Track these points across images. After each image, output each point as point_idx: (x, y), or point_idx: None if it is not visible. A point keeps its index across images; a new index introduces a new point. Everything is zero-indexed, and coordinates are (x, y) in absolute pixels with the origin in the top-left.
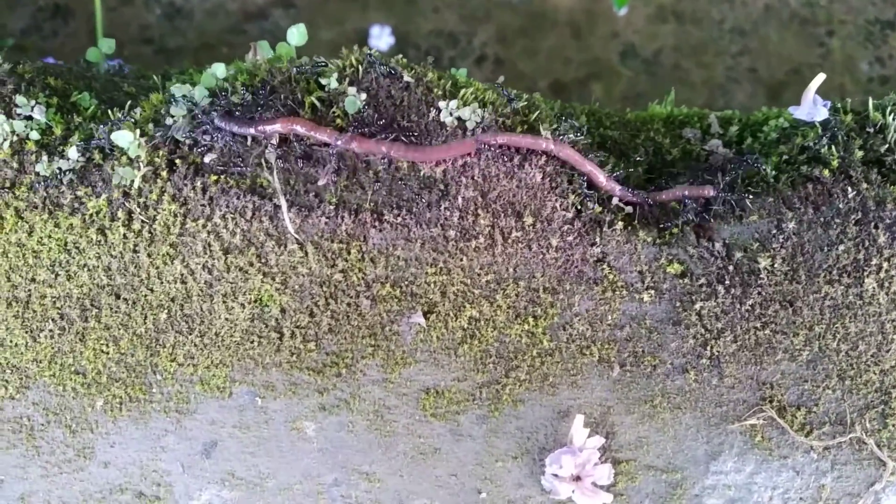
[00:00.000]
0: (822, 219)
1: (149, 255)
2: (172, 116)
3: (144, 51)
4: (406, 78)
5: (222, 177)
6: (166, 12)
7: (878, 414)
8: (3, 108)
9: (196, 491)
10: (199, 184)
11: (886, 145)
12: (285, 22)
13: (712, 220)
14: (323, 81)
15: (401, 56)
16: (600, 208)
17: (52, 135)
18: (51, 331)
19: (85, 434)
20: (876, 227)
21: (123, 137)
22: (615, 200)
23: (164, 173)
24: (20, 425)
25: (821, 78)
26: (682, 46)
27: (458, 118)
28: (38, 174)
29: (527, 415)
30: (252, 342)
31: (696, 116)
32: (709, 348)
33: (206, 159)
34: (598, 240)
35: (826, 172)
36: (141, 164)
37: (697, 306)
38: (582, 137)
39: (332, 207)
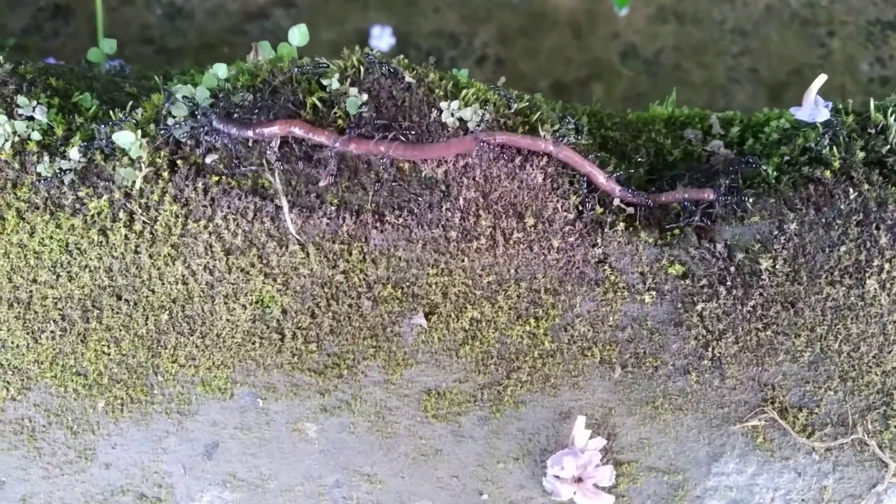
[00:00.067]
0: (823, 220)
1: (150, 256)
2: (174, 117)
3: (145, 51)
4: (407, 78)
5: (224, 177)
6: (167, 12)
7: (880, 415)
8: (4, 108)
9: (197, 492)
10: (200, 184)
11: (888, 146)
12: (286, 22)
13: (713, 222)
14: (324, 82)
15: (402, 56)
16: (601, 209)
17: (54, 135)
18: (52, 332)
19: (86, 435)
20: (877, 228)
21: (125, 138)
22: (616, 201)
23: (165, 174)
24: (22, 426)
25: (822, 79)
26: (683, 47)
27: (460, 119)
28: (39, 175)
29: (528, 416)
30: (253, 343)
31: (697, 117)
32: (710, 349)
33: (208, 160)
34: (599, 241)
35: (827, 173)
36: (142, 164)
37: (699, 307)
38: (582, 138)
39: (333, 208)
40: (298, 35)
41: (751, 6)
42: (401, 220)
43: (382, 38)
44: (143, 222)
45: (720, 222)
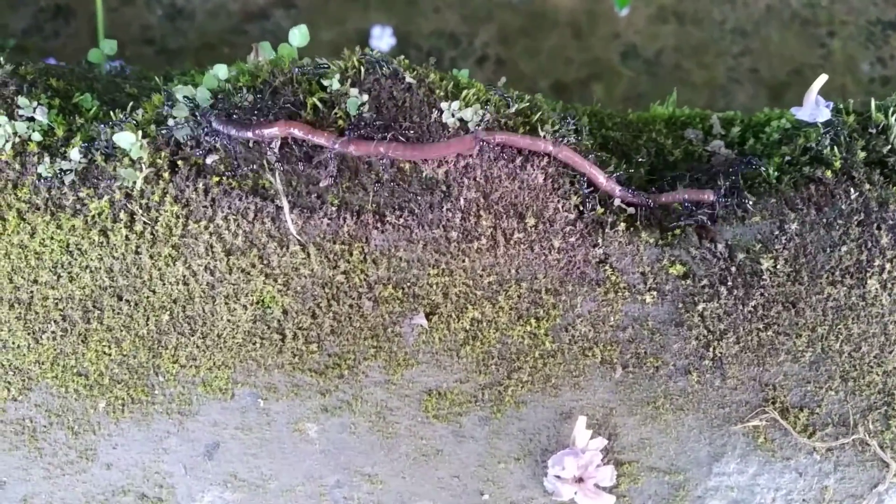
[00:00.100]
0: (824, 220)
1: (151, 257)
2: (174, 118)
3: (146, 51)
4: (408, 79)
5: (224, 178)
6: (167, 13)
7: (881, 415)
8: (5, 109)
9: (198, 492)
10: (201, 185)
11: (889, 146)
12: (286, 22)
13: (714, 223)
14: (325, 83)
15: (402, 57)
16: (602, 209)
17: (54, 136)
18: (53, 332)
19: (87, 436)
20: (878, 228)
21: (125, 139)
22: (617, 201)
23: (166, 174)
24: (23, 427)
25: (823, 79)
26: (684, 47)
27: (461, 119)
28: (40, 175)
29: (529, 416)
30: (254, 344)
31: (698, 117)
32: (711, 349)
33: (208, 160)
34: (600, 241)
35: (828, 173)
36: (143, 165)
37: (700, 307)
38: (582, 138)
39: (334, 209)
40: (299, 36)
41: (751, 6)
42: (401, 220)
43: (383, 39)
44: (144, 223)
45: (721, 222)
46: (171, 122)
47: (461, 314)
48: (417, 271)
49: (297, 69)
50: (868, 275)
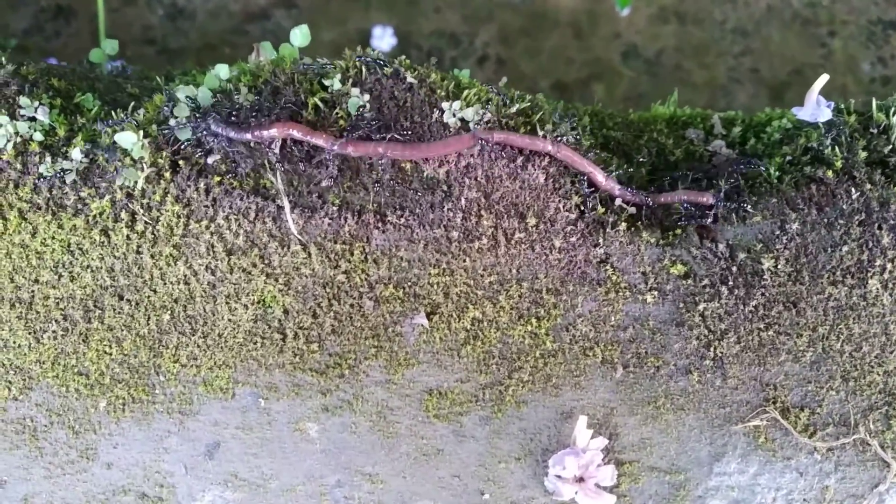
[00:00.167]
0: (825, 220)
1: (152, 257)
2: (175, 117)
3: (147, 51)
4: (409, 79)
5: (225, 178)
6: (169, 13)
7: (882, 415)
8: (6, 109)
9: (199, 492)
10: (202, 185)
11: (890, 146)
12: (287, 23)
13: (713, 223)
14: (326, 82)
15: (403, 57)
16: (603, 209)
17: (56, 136)
18: (54, 332)
19: (88, 435)
20: (880, 227)
21: (126, 138)
22: (618, 201)
23: (167, 174)
24: (23, 426)
25: (824, 79)
26: (684, 47)
27: (461, 119)
28: (41, 175)
29: (530, 416)
30: (255, 343)
31: (699, 117)
32: (712, 349)
33: (210, 160)
34: (601, 241)
35: (829, 173)
36: (144, 165)
37: (701, 307)
38: (579, 134)
39: (335, 208)
40: (300, 36)
41: (752, 6)
42: (402, 220)
43: (384, 39)
44: (145, 222)
45: (722, 222)
46: (172, 122)
47: (462, 314)
48: (418, 271)
49: (302, 65)
50: (869, 275)
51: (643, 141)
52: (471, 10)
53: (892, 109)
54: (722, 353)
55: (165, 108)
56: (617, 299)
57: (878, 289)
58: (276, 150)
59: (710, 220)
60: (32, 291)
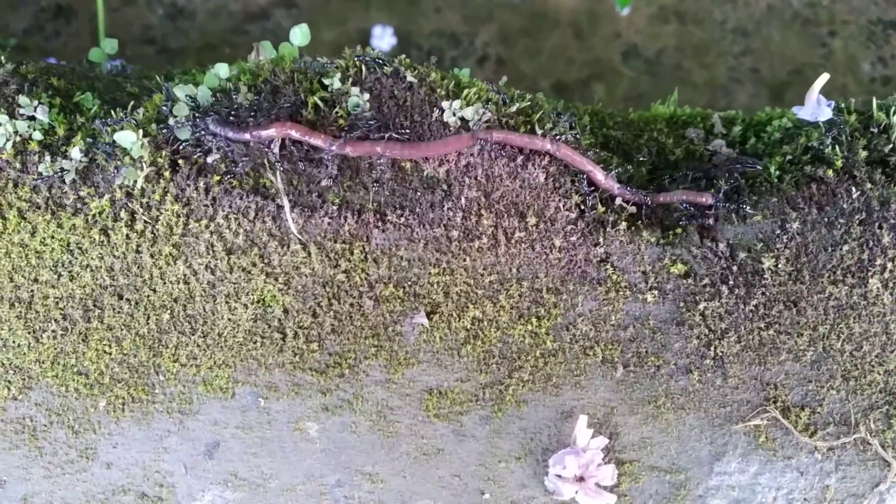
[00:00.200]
0: (826, 219)
1: (151, 256)
2: (175, 117)
3: (147, 51)
4: (409, 78)
5: (225, 177)
6: (168, 13)
7: (883, 414)
8: (6, 108)
9: (199, 492)
10: (202, 184)
11: (890, 145)
12: (287, 22)
13: (713, 222)
14: (326, 81)
15: (403, 56)
16: (603, 208)
17: (55, 135)
18: (53, 331)
19: (87, 435)
20: (880, 227)
21: (126, 137)
22: (618, 200)
23: (166, 173)
24: (23, 426)
25: (825, 78)
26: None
27: (462, 118)
28: (40, 174)
29: (530, 415)
30: (255, 343)
31: (699, 116)
32: (712, 349)
33: (209, 160)
34: (601, 240)
35: (830, 172)
36: (144, 164)
37: (701, 307)
38: (577, 132)
39: (335, 208)
40: (300, 35)
41: (752, 6)
42: (402, 219)
43: (384, 38)
44: (145, 222)
45: (722, 221)
46: (171, 121)
47: (462, 313)
48: (418, 270)
49: (303, 62)
50: (869, 274)
51: (643, 140)
52: (471, 10)
53: (893, 109)
54: (722, 352)
55: (165, 108)
56: (617, 298)
57: (878, 288)
58: (276, 150)
59: (709, 220)
60: (32, 291)
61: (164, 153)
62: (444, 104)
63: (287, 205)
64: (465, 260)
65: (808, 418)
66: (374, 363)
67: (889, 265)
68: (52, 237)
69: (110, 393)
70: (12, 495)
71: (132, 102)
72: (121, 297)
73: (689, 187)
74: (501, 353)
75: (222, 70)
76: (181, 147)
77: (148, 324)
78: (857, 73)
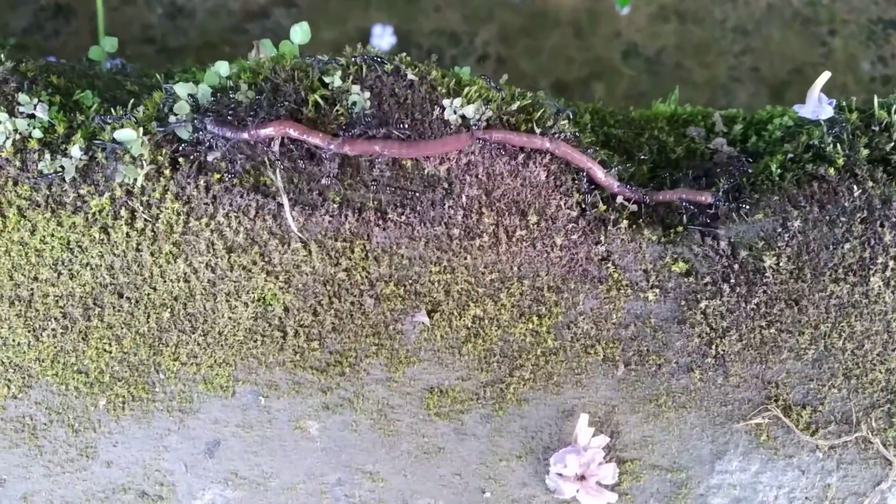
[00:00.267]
0: (827, 217)
1: (152, 254)
2: (175, 115)
3: (146, 50)
4: (410, 76)
5: (225, 175)
6: (168, 12)
7: (884, 413)
8: (5, 106)
9: (199, 490)
10: (202, 182)
11: (892, 143)
12: (287, 21)
13: (713, 221)
14: (326, 79)
15: (404, 54)
16: (604, 207)
17: (55, 133)
18: (53, 330)
19: (87, 433)
20: (882, 225)
21: (126, 135)
22: (619, 199)
23: (167, 171)
24: (23, 424)
25: (826, 76)
26: (685, 46)
27: (462, 116)
28: (40, 172)
29: (531, 414)
30: (255, 341)
31: (700, 115)
32: (714, 347)
33: (209, 158)
34: (602, 238)
35: (831, 171)
36: (144, 162)
37: (702, 305)
38: (577, 130)
39: (335, 206)
40: (300, 33)
41: (752, 5)
42: (403, 217)
43: (384, 38)
44: (145, 220)
45: (723, 220)
46: (172, 119)
47: (463, 312)
48: (419, 269)
49: (307, 57)
50: (871, 272)
51: (644, 139)
52: (471, 9)
53: (894, 107)
54: (724, 350)
55: (165, 105)
56: (618, 297)
57: (879, 286)
58: (275, 149)
59: (710, 219)
60: (32, 289)
61: (164, 151)
62: (445, 102)
63: (287, 203)
64: (466, 258)
65: (809, 417)
66: (375, 362)
67: (891, 263)
68: (52, 235)
69: (110, 391)
70: (12, 494)
71: (132, 100)
72: (121, 296)
73: (691, 185)
74: (502, 352)
75: (223, 68)
76: (181, 145)
77: (148, 322)
78: (857, 72)
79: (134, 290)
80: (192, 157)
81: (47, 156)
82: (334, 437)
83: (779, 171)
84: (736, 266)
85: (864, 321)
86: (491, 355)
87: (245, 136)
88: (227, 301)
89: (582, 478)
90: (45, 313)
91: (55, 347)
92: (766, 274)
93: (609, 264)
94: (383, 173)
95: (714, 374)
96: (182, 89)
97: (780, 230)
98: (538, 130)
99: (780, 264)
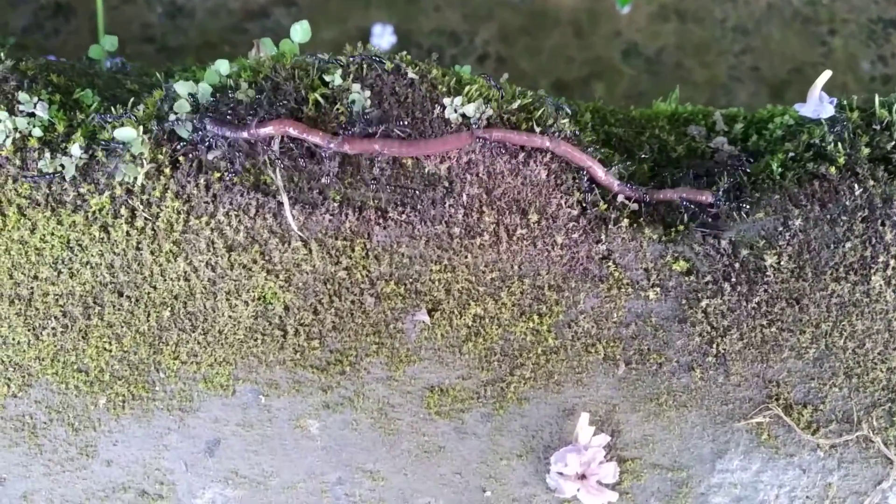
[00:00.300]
0: (828, 216)
1: (152, 253)
2: (176, 113)
3: (146, 49)
4: (410, 74)
5: (226, 174)
6: (168, 11)
7: (885, 412)
8: (5, 104)
9: (199, 489)
10: (202, 181)
11: (893, 142)
12: (287, 21)
13: (716, 219)
14: (327, 78)
15: (405, 53)
16: (605, 205)
17: (55, 132)
18: (53, 328)
19: (87, 432)
20: (883, 224)
21: (126, 134)
22: (620, 198)
23: (167, 170)
24: (23, 423)
25: (827, 75)
26: (685, 45)
27: (463, 115)
28: (40, 171)
29: (532, 413)
30: (255, 340)
31: (700, 114)
32: (715, 346)
33: (210, 156)
34: (603, 237)
35: (832, 170)
36: (144, 161)
37: (703, 304)
38: (577, 129)
39: (336, 205)
40: (300, 31)
41: (752, 4)
42: (404, 216)
43: (384, 37)
44: (145, 219)
45: (724, 219)
46: (172, 118)
47: (463, 310)
48: (419, 267)
49: (308, 55)
50: (872, 271)
51: (645, 137)
52: (471, 9)
53: (895, 106)
54: (724, 349)
55: (165, 104)
56: (619, 296)
57: (881, 285)
58: (275, 147)
59: (710, 218)
60: (32, 288)
61: (164, 150)
62: (446, 101)
63: (287, 202)
64: (466, 257)
65: (810, 416)
66: (376, 360)
67: (892, 262)
68: (52, 234)
69: (110, 390)
70: (12, 493)
71: (132, 99)
72: (121, 295)
73: (692, 185)
74: (503, 351)
75: (223, 67)
76: (181, 144)
77: (148, 321)
78: (858, 71)
79: (134, 288)
80: (192, 156)
81: (47, 154)
82: (335, 436)
83: (780, 169)
84: (737, 265)
85: (865, 320)
86: (491, 354)
87: (245, 134)
88: (228, 300)
89: (583, 477)
90: (45, 312)
91: (55, 346)
92: (767, 273)
93: (610, 263)
94: (384, 172)
95: (715, 373)
96: (182, 88)
97: (781, 229)
98: (538, 129)
99: (782, 263)
